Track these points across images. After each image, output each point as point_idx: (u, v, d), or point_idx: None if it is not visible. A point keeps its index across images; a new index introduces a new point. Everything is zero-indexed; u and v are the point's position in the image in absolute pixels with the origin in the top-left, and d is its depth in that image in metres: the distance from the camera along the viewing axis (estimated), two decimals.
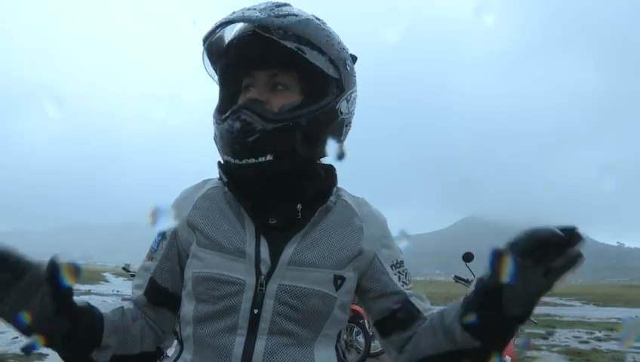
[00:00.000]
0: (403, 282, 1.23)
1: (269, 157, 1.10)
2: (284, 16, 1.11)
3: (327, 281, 1.14)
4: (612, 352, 10.38)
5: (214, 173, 1.25)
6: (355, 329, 8.68)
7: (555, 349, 10.70)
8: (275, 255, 1.13)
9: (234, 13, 1.14)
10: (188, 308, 1.16)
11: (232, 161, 1.13)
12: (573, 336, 13.07)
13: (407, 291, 1.23)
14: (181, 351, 1.18)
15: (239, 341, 1.09)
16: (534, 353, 10.14)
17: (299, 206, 1.16)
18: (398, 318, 1.21)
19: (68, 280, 0.91)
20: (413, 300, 1.23)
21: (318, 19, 1.18)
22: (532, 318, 6.26)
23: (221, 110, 1.20)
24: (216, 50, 1.21)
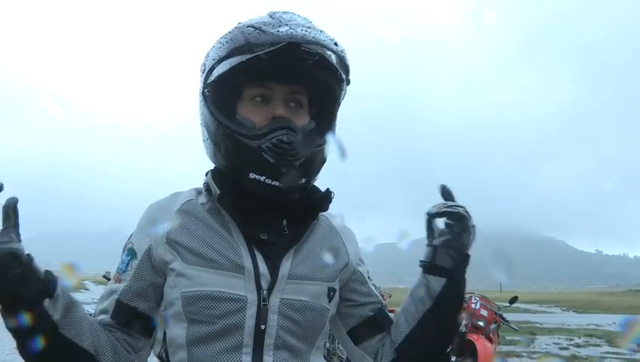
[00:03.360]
0: (377, 293, 1.29)
1: (303, 181, 1.12)
2: (339, 45, 1.11)
3: (323, 294, 1.16)
4: (591, 358, 10.51)
5: (199, 178, 1.22)
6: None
7: (535, 356, 10.78)
8: (273, 269, 1.11)
9: (292, 27, 1.07)
10: (177, 331, 1.10)
11: (270, 182, 1.08)
12: (554, 343, 13.19)
13: (382, 300, 1.29)
14: None
15: (246, 359, 1.06)
16: (515, 360, 10.21)
17: (284, 221, 1.16)
18: (376, 323, 1.24)
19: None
20: (385, 310, 1.28)
21: None
22: (513, 325, 6.31)
23: (235, 123, 1.12)
24: (245, 50, 1.09)
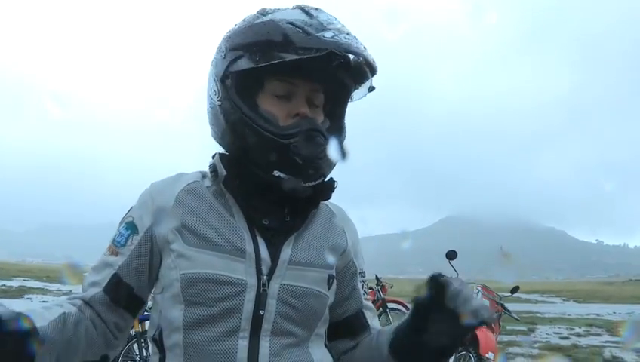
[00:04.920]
0: (364, 291, 1.29)
1: (322, 179, 1.15)
2: (367, 52, 1.12)
3: (322, 281, 1.15)
4: (591, 347, 10.54)
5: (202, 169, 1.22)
6: None
7: (536, 345, 10.82)
8: (274, 254, 1.11)
9: (337, 34, 1.07)
10: (173, 313, 1.08)
11: (294, 181, 1.09)
12: (554, 332, 13.23)
13: (364, 302, 1.28)
14: (164, 360, 1.09)
15: (242, 344, 1.05)
16: (516, 349, 10.25)
17: (286, 209, 1.16)
18: (350, 326, 1.25)
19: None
20: (366, 313, 1.27)
21: None
22: (514, 315, 6.32)
23: (258, 113, 1.10)
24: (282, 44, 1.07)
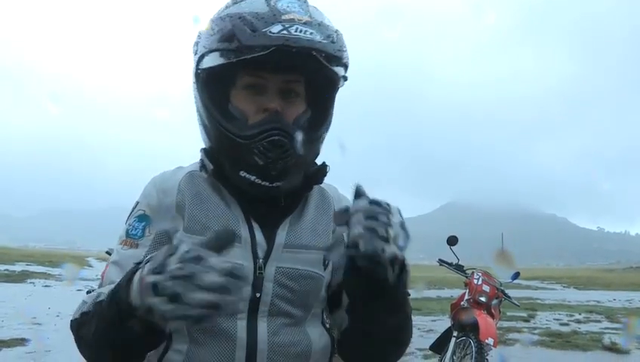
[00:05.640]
0: None
1: (298, 179, 1.15)
2: (336, 42, 1.06)
3: (318, 262, 1.17)
4: (591, 334, 10.60)
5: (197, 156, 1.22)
6: None
7: (536, 331, 10.88)
8: (270, 238, 1.13)
9: (287, 26, 1.02)
10: None
11: (260, 182, 1.09)
12: (554, 319, 13.30)
13: None
14: (169, 343, 1.10)
15: (241, 325, 1.08)
16: (516, 335, 10.30)
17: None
18: (339, 296, 1.22)
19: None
20: None
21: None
22: (515, 301, 6.34)
23: (226, 115, 1.10)
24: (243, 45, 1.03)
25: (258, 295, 1.10)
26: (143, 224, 1.15)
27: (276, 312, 1.11)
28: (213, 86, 1.12)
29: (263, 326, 1.10)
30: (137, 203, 1.19)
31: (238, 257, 1.09)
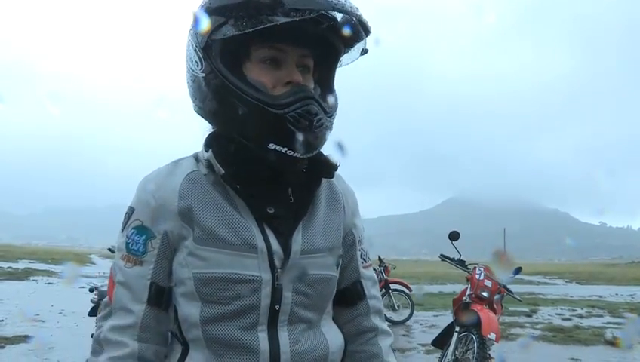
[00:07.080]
0: (363, 259, 1.27)
1: (319, 150, 1.10)
2: (360, 12, 1.05)
3: (333, 264, 1.16)
4: (593, 328, 10.58)
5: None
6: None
7: (538, 326, 10.88)
8: (285, 245, 1.08)
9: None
10: (190, 309, 1.06)
11: (291, 153, 1.03)
12: (556, 314, 13.27)
13: (362, 270, 1.26)
14: (187, 351, 1.08)
15: (262, 336, 1.06)
16: (518, 330, 10.30)
17: (289, 190, 1.13)
18: (346, 296, 1.25)
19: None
20: (364, 283, 1.26)
21: None
22: (517, 296, 6.33)
23: (246, 82, 1.04)
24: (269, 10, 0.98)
25: (277, 307, 1.07)
26: (143, 238, 1.09)
27: (295, 320, 1.10)
28: (227, 55, 1.05)
29: (284, 336, 1.07)
30: (133, 210, 1.11)
31: (256, 268, 1.05)
